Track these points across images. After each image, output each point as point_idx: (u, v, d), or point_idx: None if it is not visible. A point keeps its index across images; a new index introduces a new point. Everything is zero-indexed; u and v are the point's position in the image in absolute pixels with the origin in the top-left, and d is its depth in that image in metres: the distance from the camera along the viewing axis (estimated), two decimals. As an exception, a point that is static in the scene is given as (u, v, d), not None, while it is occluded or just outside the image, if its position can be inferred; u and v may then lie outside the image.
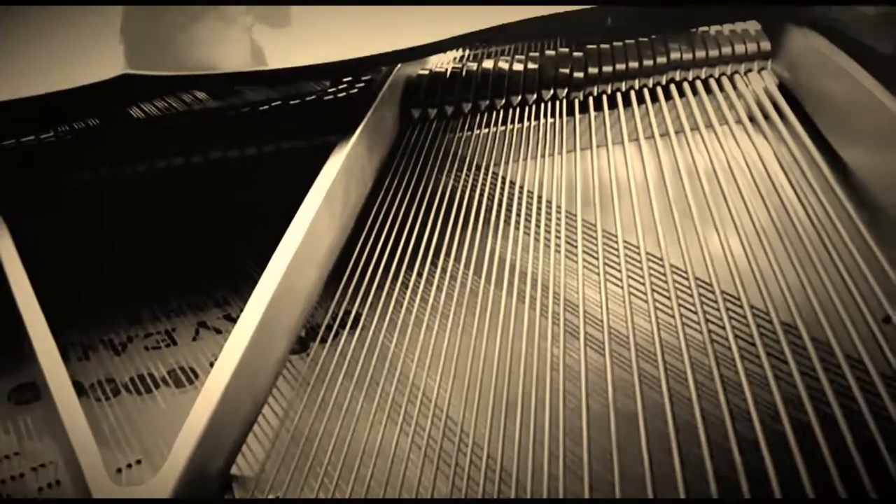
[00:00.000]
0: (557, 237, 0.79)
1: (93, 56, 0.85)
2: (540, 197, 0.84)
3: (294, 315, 0.74)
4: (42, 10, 0.97)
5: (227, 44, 0.93)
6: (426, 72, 1.00)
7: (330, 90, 1.00)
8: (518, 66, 0.98)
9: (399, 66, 0.97)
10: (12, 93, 0.80)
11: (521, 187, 0.87)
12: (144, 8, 0.98)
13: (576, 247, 0.78)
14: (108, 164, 0.91)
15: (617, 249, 0.76)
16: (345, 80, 1.01)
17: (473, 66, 0.99)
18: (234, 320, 0.83)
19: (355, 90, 1.00)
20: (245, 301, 0.67)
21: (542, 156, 0.90)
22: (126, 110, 0.97)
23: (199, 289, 0.87)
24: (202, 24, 0.90)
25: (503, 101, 0.98)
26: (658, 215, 0.79)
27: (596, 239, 0.78)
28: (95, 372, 0.78)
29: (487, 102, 0.98)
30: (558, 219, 0.81)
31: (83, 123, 0.96)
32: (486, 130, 0.96)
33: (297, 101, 1.00)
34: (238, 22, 0.95)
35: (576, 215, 0.81)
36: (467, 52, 1.04)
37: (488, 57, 1.01)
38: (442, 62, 1.02)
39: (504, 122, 0.96)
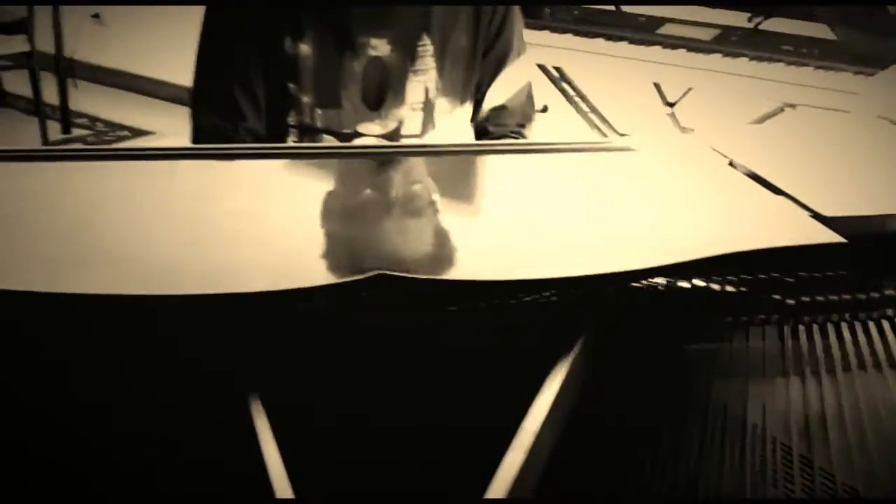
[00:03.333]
0: (773, 470, 0.81)
1: (350, 253, 0.95)
2: (755, 424, 0.86)
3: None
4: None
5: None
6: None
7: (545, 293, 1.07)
8: (730, 288, 1.03)
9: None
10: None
11: (730, 409, 0.90)
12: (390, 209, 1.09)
13: (792, 482, 0.79)
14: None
15: (833, 489, 0.78)
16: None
17: (685, 283, 1.04)
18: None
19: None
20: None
21: (752, 379, 0.93)
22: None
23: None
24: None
25: (713, 320, 1.01)
26: (876, 457, 0.80)
27: (812, 477, 0.79)
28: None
29: (695, 320, 1.02)
30: (772, 448, 0.83)
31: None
32: (694, 347, 0.99)
33: (514, 301, 1.07)
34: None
35: (790, 447, 0.83)
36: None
37: (698, 275, 1.06)
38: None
39: (712, 341, 0.99)
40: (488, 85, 1.73)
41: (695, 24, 3.12)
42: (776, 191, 1.11)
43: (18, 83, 4.75)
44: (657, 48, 3.03)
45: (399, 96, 1.65)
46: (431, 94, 1.67)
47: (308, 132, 1.66)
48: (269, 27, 1.58)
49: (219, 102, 1.61)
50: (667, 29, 3.14)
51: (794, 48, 2.85)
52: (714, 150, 1.26)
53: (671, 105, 3.38)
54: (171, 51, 4.85)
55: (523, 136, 1.76)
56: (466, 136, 1.78)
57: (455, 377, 0.99)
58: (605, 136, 3.35)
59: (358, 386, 0.97)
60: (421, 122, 1.69)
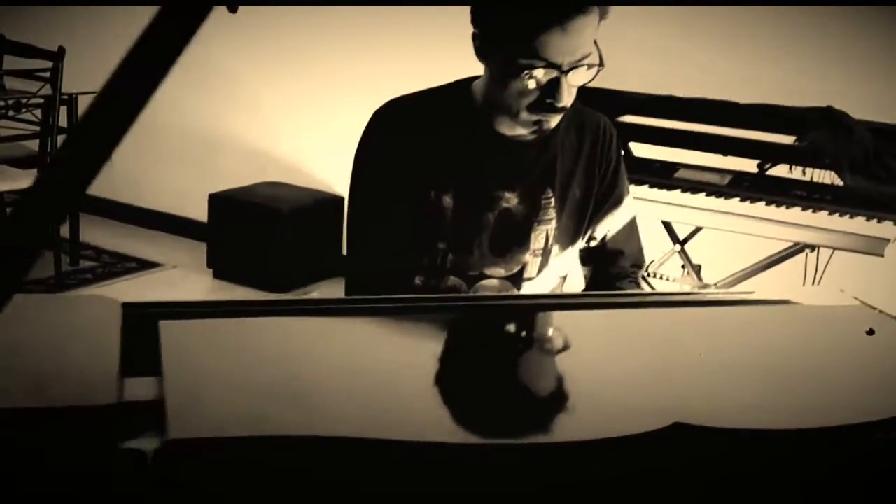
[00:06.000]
0: None
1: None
2: None
3: None
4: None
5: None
6: None
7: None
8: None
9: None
10: None
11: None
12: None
13: None
14: None
15: None
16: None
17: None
18: None
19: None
20: None
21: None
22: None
23: None
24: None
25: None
26: None
27: None
28: None
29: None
30: None
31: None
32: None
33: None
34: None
35: None
36: None
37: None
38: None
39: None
40: (600, 228, 1.89)
41: (707, 169, 3.36)
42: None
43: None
44: (677, 192, 3.25)
45: (524, 244, 1.80)
46: (550, 241, 1.82)
47: (436, 273, 1.80)
48: (418, 184, 1.73)
49: (377, 258, 1.76)
50: (681, 173, 3.37)
51: (806, 193, 3.09)
52: (858, 300, 1.41)
53: (682, 243, 3.59)
54: (175, 184, 4.98)
55: (637, 279, 1.92)
56: (576, 279, 1.94)
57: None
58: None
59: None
60: (538, 266, 1.84)
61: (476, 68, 1.75)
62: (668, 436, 0.90)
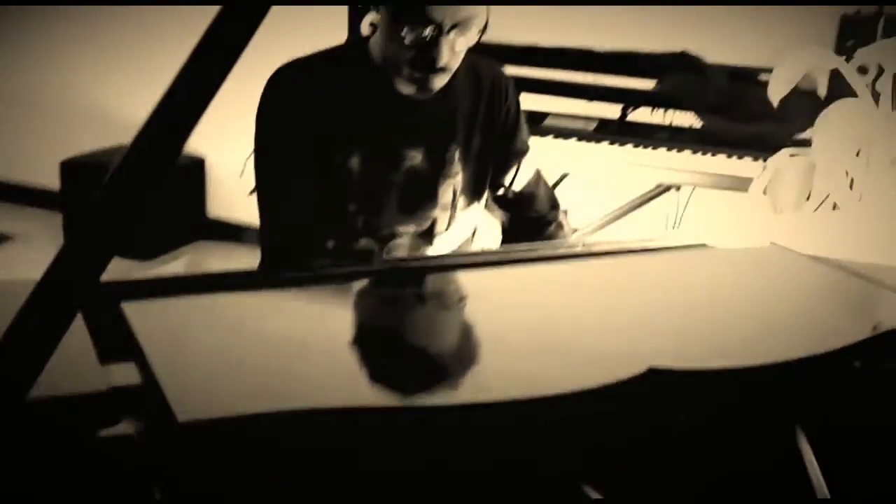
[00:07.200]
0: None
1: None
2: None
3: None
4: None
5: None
6: None
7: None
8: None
9: None
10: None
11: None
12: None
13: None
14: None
15: None
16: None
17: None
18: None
19: None
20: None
21: None
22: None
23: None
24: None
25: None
26: None
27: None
28: None
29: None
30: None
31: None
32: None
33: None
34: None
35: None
36: None
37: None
38: None
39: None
40: (507, 176, 1.93)
41: (573, 116, 3.45)
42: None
43: None
44: (549, 138, 3.33)
45: (433, 199, 1.82)
46: (458, 194, 1.85)
47: (347, 236, 1.79)
48: (322, 147, 1.71)
49: (288, 226, 1.75)
50: (549, 121, 3.46)
51: (668, 135, 3.23)
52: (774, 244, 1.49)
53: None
54: (20, 151, 4.70)
55: (560, 221, 1.97)
56: (487, 230, 1.98)
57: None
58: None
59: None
60: (447, 220, 1.86)
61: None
62: (644, 382, 0.93)
